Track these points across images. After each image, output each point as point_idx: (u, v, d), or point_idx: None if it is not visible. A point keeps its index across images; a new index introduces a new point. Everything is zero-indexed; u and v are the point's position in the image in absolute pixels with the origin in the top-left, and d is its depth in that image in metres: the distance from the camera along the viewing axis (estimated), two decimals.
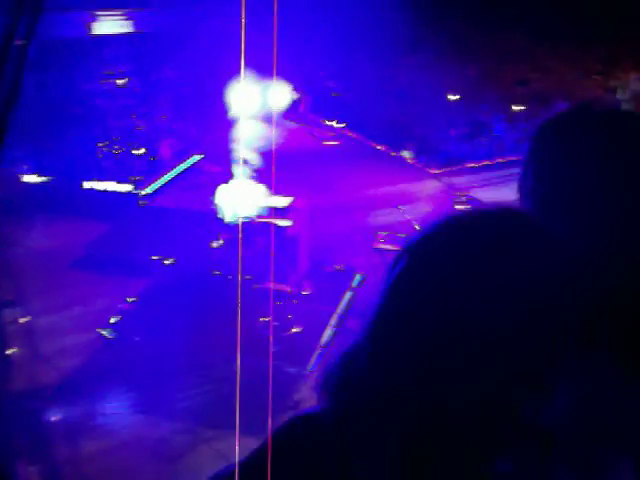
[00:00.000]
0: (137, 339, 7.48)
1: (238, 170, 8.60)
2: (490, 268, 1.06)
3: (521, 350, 1.04)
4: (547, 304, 1.06)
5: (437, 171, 14.21)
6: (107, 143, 12.42)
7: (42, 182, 11.65)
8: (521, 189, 1.60)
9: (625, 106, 18.23)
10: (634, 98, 18.84)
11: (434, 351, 1.06)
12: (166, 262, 9.09)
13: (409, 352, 1.08)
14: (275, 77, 11.05)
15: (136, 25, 15.83)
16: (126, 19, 15.68)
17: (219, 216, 8.61)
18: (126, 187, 11.52)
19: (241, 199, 8.52)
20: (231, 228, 8.52)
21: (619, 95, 18.09)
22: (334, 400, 1.21)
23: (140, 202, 11.42)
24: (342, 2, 19.43)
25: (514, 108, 17.71)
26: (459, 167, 14.51)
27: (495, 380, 1.04)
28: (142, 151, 12.26)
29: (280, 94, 12.39)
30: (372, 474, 1.12)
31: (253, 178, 8.74)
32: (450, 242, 1.10)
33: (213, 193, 8.72)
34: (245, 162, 8.67)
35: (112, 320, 7.78)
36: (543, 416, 1.07)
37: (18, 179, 11.36)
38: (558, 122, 1.64)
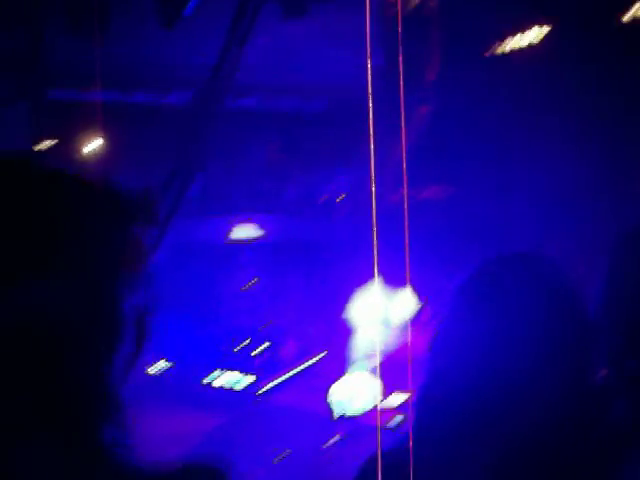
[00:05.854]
0: None
1: (354, 370, 8.54)
2: None
3: None
4: None
5: None
6: (232, 340, 12.74)
7: (163, 372, 11.88)
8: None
9: None
10: None
11: None
12: (274, 461, 8.94)
13: None
14: (404, 285, 11.11)
15: (270, 231, 16.62)
16: (261, 226, 16.50)
17: (332, 415, 8.50)
18: (243, 384, 11.59)
19: (353, 398, 8.41)
20: (344, 426, 8.35)
21: None
22: None
23: (255, 400, 11.40)
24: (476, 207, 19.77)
25: None
26: None
27: None
28: (264, 348, 12.49)
29: (407, 301, 12.38)
30: None
31: (367, 378, 8.68)
32: None
33: (328, 393, 8.65)
34: (363, 363, 8.69)
35: None
36: None
37: (143, 369, 11.63)
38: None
